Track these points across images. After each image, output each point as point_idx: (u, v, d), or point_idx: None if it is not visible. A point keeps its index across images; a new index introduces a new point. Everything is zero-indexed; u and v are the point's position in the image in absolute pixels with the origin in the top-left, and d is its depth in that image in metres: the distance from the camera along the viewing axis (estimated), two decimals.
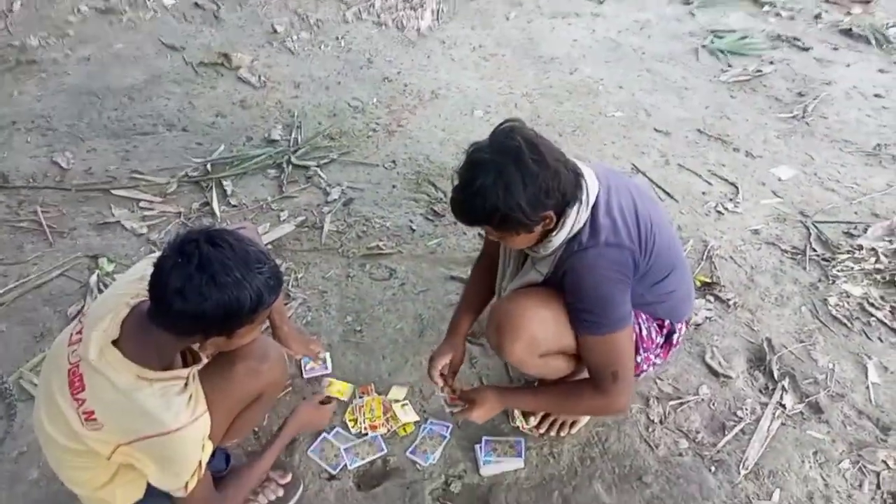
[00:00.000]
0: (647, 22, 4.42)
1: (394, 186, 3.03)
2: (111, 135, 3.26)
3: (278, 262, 2.60)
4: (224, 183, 3.00)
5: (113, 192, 2.93)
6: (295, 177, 3.07)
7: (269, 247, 2.68)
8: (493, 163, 1.53)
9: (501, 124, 1.60)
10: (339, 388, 2.16)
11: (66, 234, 2.71)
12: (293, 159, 3.13)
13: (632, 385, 1.81)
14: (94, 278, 2.50)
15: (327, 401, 1.96)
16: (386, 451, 2.00)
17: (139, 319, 1.39)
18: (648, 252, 1.72)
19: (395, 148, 3.26)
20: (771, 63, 3.99)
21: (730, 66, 3.97)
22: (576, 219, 1.64)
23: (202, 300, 1.26)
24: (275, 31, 4.12)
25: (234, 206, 2.89)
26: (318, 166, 3.11)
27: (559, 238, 1.66)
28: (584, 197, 1.63)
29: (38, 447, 1.63)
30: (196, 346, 1.44)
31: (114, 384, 1.36)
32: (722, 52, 4.09)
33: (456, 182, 1.60)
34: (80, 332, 1.43)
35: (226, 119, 3.40)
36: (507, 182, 1.51)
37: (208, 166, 3.09)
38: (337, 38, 4.10)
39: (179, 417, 1.38)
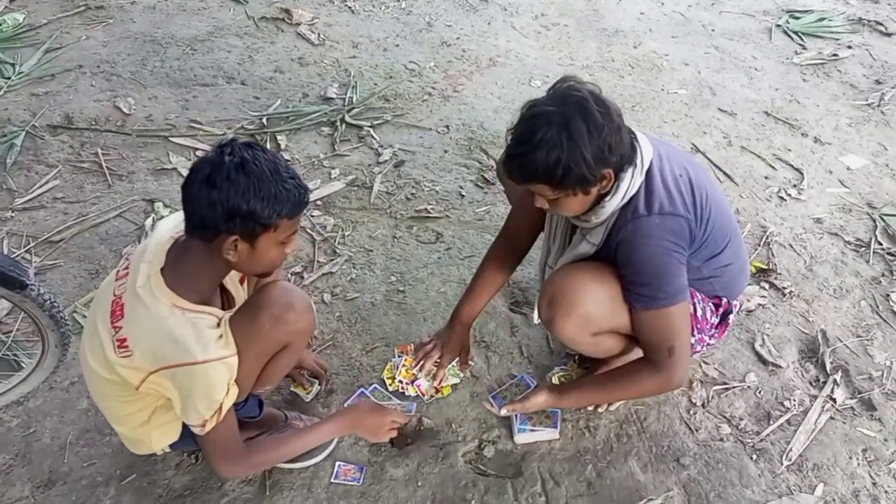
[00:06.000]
0: None
1: (445, 151, 3.00)
2: (172, 83, 3.30)
3: (327, 218, 2.63)
4: (278, 137, 3.02)
5: (171, 139, 2.98)
6: (348, 136, 3.06)
7: (319, 203, 2.70)
8: (557, 114, 1.45)
9: (560, 80, 1.53)
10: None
11: (125, 178, 2.78)
12: (347, 118, 3.13)
13: (688, 359, 1.73)
14: (149, 221, 2.56)
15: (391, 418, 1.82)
16: (413, 412, 1.99)
17: (178, 247, 1.45)
18: (705, 222, 1.65)
19: (449, 113, 3.22)
20: (849, 47, 3.79)
21: (804, 48, 3.79)
22: (630, 183, 1.57)
23: (229, 184, 1.30)
24: None
25: (287, 160, 2.90)
26: (371, 126, 3.10)
27: (613, 203, 1.59)
28: (638, 160, 1.57)
29: None
30: (224, 253, 1.40)
31: (149, 310, 1.40)
32: (797, 33, 3.90)
33: (510, 141, 1.53)
34: (126, 269, 1.48)
35: (283, 75, 3.41)
36: (573, 132, 1.43)
37: (264, 120, 3.11)
38: (398, 0, 4.05)
39: (207, 351, 1.40)
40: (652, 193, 1.59)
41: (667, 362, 1.67)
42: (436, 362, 2.02)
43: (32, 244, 2.45)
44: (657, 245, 1.59)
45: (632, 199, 1.60)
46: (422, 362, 2.02)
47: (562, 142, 1.44)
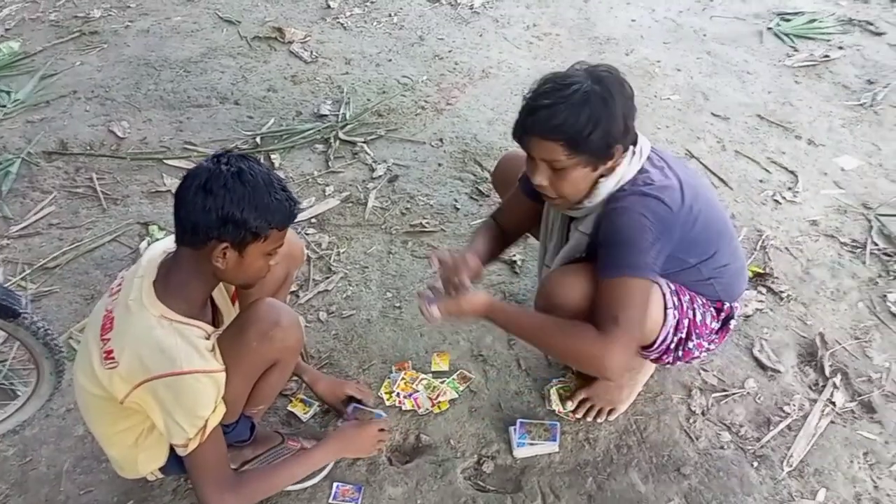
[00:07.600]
0: (709, 3, 4.25)
1: (439, 165, 3.00)
2: (166, 106, 3.32)
3: (322, 235, 2.63)
4: (272, 156, 3.03)
5: (166, 161, 2.99)
6: (341, 152, 3.07)
7: (314, 220, 2.70)
8: (590, 74, 1.46)
9: (574, 64, 1.56)
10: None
11: (120, 202, 2.79)
12: (340, 135, 3.14)
13: (632, 344, 1.61)
14: (144, 244, 2.56)
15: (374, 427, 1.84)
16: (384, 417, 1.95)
17: (169, 260, 1.47)
18: (693, 219, 1.64)
19: (442, 126, 3.23)
20: (840, 48, 3.79)
21: (796, 50, 3.79)
22: (627, 168, 1.59)
23: (225, 192, 1.33)
24: (328, 7, 4.13)
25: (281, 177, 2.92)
26: (364, 142, 3.11)
27: (607, 186, 1.60)
28: (638, 148, 1.59)
29: None
30: (213, 260, 1.40)
31: (137, 321, 1.40)
32: (788, 35, 3.90)
33: (533, 94, 1.51)
34: (119, 285, 1.49)
35: (277, 93, 3.42)
36: (611, 89, 1.44)
37: (258, 139, 3.12)
38: (389, 15, 4.08)
39: (192, 361, 1.40)
40: (642, 178, 1.61)
41: (609, 330, 1.55)
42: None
43: (28, 271, 2.46)
44: (632, 217, 1.57)
45: (623, 186, 1.62)
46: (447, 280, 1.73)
47: (598, 95, 1.42)
